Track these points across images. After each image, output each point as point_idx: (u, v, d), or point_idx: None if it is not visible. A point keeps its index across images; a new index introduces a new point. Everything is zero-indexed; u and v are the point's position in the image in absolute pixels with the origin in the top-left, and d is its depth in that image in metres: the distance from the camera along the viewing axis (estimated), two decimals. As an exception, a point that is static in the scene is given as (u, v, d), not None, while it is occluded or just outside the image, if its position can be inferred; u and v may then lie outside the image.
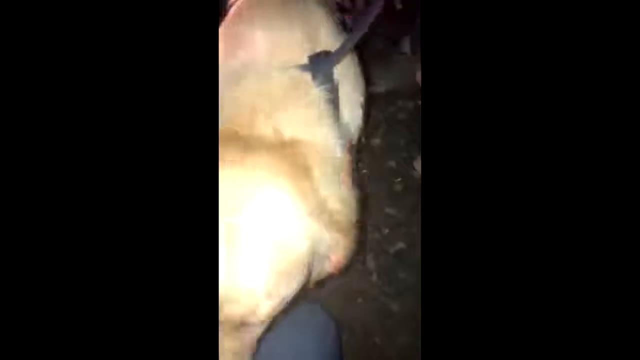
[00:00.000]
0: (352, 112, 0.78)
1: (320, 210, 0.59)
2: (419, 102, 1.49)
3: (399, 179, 1.34)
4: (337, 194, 0.63)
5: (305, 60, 0.69)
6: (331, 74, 0.69)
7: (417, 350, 1.13)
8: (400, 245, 1.27)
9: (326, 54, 0.69)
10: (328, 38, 0.74)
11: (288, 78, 0.65)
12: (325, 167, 0.62)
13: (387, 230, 1.28)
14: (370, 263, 1.24)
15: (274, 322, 0.63)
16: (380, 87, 1.41)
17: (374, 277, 1.23)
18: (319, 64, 0.68)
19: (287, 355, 0.64)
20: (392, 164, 1.37)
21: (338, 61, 0.69)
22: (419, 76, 1.45)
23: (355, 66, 0.81)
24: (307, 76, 0.67)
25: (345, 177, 0.67)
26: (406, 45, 1.50)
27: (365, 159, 1.35)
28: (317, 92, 0.66)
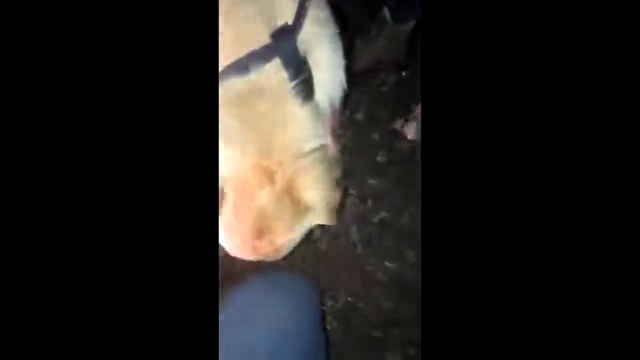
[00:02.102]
0: (331, 89, 0.77)
1: None
2: (403, 74, 1.49)
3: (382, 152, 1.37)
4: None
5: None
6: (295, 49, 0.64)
7: (398, 313, 1.19)
8: (384, 214, 1.31)
9: (288, 28, 0.64)
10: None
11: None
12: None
13: (370, 202, 1.31)
14: (355, 234, 1.29)
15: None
16: (362, 61, 1.40)
17: (359, 247, 1.28)
18: (282, 41, 0.63)
19: (262, 319, 0.67)
20: (376, 136, 1.39)
21: (298, 32, 0.65)
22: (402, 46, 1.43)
23: (331, 40, 0.78)
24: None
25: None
26: (387, 14, 1.44)
27: (348, 133, 1.36)
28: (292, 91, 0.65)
